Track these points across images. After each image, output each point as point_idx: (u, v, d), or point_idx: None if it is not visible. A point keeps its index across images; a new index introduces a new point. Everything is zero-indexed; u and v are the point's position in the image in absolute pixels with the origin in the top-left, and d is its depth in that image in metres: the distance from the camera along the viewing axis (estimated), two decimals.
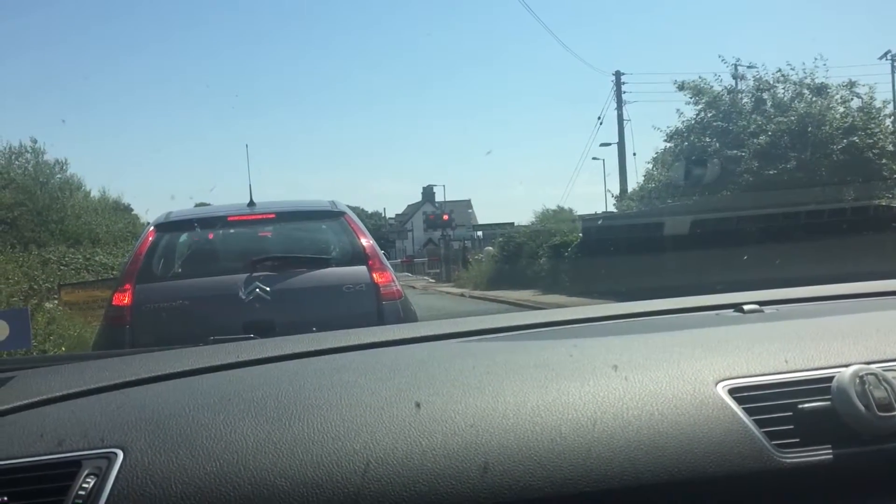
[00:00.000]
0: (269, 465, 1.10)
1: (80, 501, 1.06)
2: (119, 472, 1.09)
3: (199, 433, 1.16)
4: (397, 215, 71.04)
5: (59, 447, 1.15)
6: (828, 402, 1.22)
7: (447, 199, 50.35)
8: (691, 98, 19.82)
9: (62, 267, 17.06)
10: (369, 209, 66.15)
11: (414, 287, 26.32)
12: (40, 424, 1.23)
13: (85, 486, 1.08)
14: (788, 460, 1.16)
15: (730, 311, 1.76)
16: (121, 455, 1.12)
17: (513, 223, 36.56)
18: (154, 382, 1.41)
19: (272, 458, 1.11)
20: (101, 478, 1.09)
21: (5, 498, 1.07)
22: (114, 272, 16.52)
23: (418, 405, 1.21)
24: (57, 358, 1.90)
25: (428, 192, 59.41)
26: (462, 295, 24.37)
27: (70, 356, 3.13)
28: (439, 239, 41.01)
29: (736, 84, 19.89)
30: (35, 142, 23.53)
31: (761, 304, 1.78)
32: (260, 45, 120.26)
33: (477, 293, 24.13)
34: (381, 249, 5.56)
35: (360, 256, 5.18)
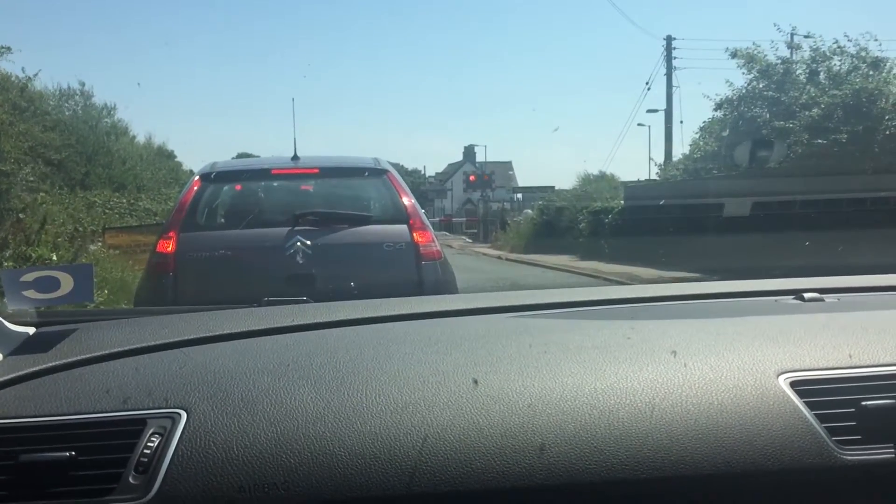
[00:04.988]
0: (328, 434, 1.11)
1: (146, 460, 1.08)
2: (183, 432, 1.11)
3: (259, 398, 1.18)
4: (437, 174, 70.67)
5: (124, 405, 1.17)
6: (892, 400, 1.20)
7: (488, 160, 49.92)
8: (743, 65, 19.38)
9: (107, 211, 17.32)
10: (409, 166, 65.89)
11: (451, 246, 26.27)
12: (105, 380, 1.25)
13: (150, 444, 1.10)
14: (850, 458, 1.15)
15: (789, 298, 1.72)
16: (184, 416, 1.14)
17: (553, 187, 36.24)
18: (213, 342, 1.42)
19: (331, 428, 1.12)
20: (166, 438, 1.10)
21: (73, 453, 1.09)
22: (157, 218, 16.75)
23: (476, 382, 1.21)
24: (115, 312, 1.93)
25: (469, 152, 59.03)
26: (499, 257, 24.29)
27: (128, 311, 3.20)
28: (478, 200, 40.84)
29: (791, 54, 19.38)
30: (83, 84, 23.82)
31: (821, 291, 1.74)
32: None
33: (514, 256, 24.04)
34: (421, 208, 5.56)
35: (401, 215, 5.19)
